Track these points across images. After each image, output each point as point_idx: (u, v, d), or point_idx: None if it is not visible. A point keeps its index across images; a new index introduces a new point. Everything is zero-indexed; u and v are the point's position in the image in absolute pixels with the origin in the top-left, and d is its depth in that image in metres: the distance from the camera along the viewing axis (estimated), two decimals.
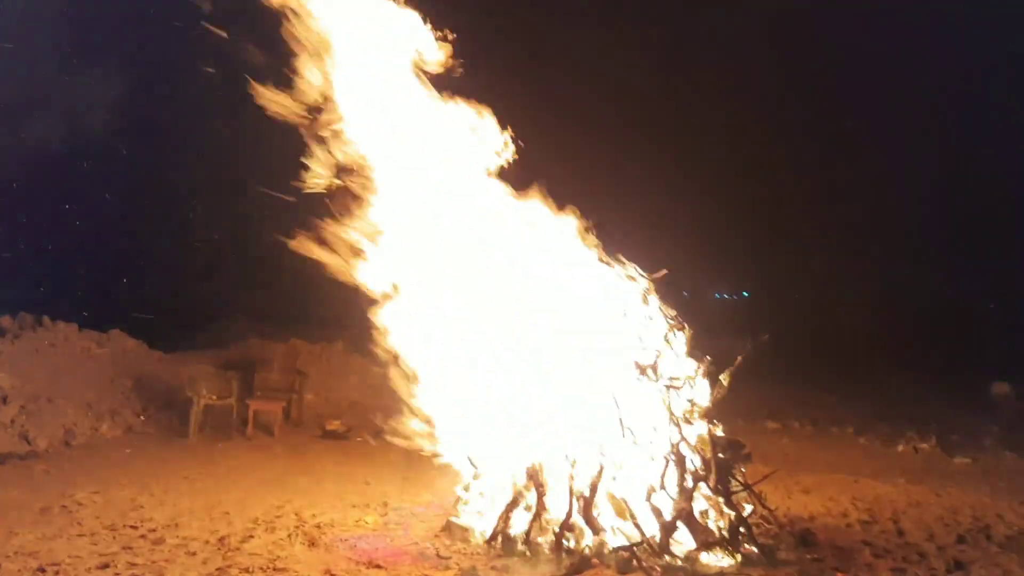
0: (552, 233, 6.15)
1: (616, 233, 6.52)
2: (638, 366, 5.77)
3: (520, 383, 5.81)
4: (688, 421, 5.81)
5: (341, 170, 6.14)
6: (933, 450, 10.67)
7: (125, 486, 6.98)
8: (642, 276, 6.32)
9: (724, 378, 5.95)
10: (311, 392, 11.23)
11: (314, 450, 9.32)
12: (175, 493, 6.82)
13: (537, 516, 5.51)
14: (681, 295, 6.63)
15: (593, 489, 5.43)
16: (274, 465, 8.28)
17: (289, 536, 5.66)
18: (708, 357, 6.11)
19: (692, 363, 6.08)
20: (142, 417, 10.08)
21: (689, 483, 5.54)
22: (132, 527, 5.71)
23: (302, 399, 10.95)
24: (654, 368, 5.82)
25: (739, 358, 6.02)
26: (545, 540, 5.43)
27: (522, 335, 5.83)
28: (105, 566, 4.83)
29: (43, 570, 4.70)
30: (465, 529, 5.69)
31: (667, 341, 6.03)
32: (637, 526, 5.39)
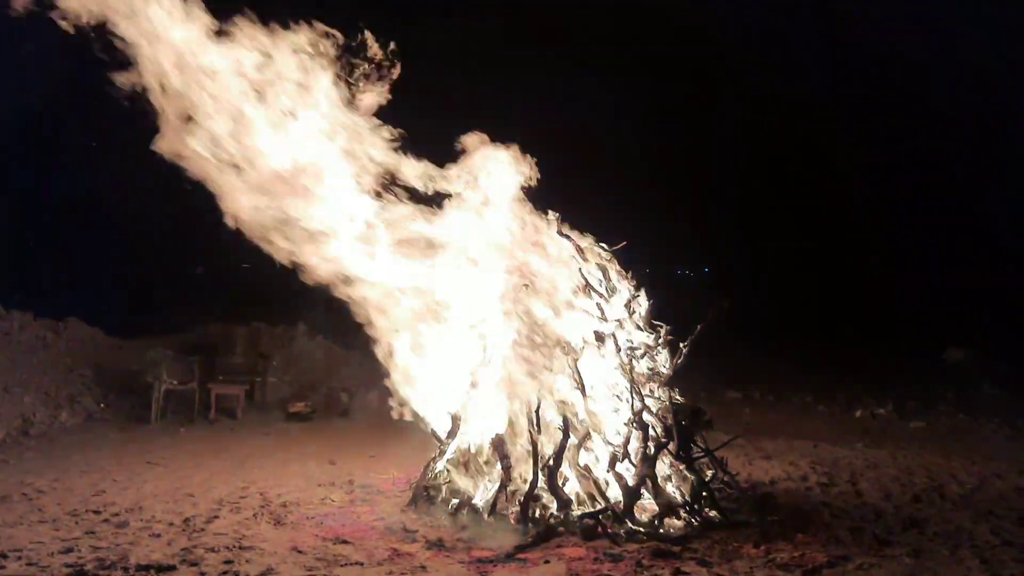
0: (510, 205, 6.17)
1: (576, 211, 6.55)
2: (598, 335, 5.82)
3: (483, 354, 5.84)
4: (649, 390, 5.88)
5: None
6: (890, 415, 10.92)
7: (86, 472, 6.90)
8: (603, 249, 6.39)
9: (684, 346, 6.04)
10: (274, 375, 11.17)
11: (278, 432, 9.30)
12: (138, 479, 6.76)
13: (503, 487, 5.55)
14: (643, 272, 6.69)
15: (557, 458, 5.49)
16: (238, 448, 8.24)
17: (255, 515, 5.64)
18: (667, 326, 6.20)
19: (652, 333, 6.17)
20: (102, 405, 9.95)
21: (651, 450, 5.61)
22: (94, 512, 5.65)
23: (265, 382, 10.90)
24: (614, 337, 5.89)
25: (700, 326, 6.11)
26: (511, 510, 5.47)
27: (484, 306, 5.86)
28: (68, 551, 4.78)
29: (4, 556, 4.64)
30: (431, 502, 5.72)
31: (627, 311, 6.10)
32: (601, 493, 5.46)
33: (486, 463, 5.72)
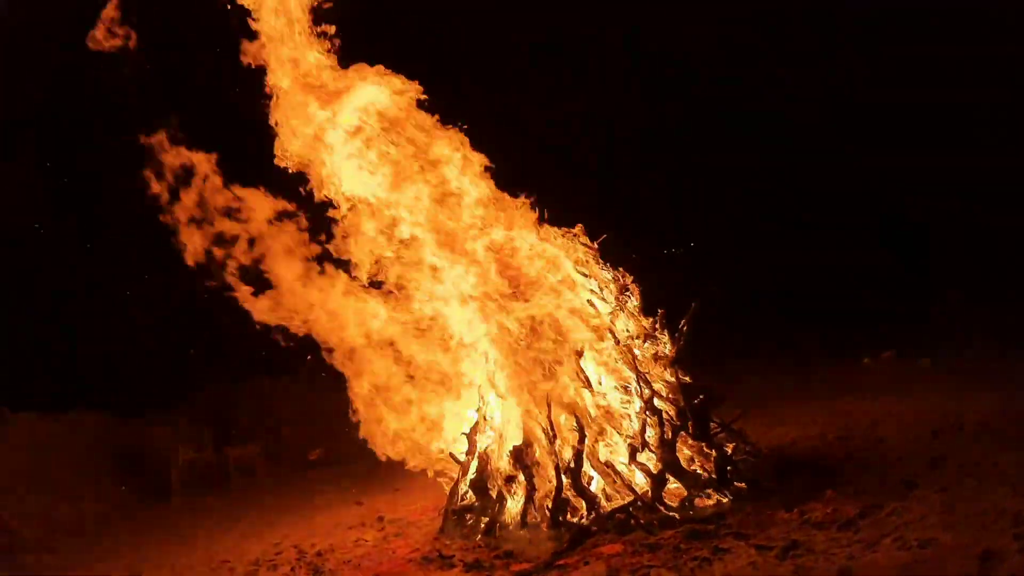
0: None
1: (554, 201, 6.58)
2: (595, 330, 5.87)
3: (487, 365, 5.89)
4: (656, 374, 5.93)
5: None
6: (895, 359, 10.98)
7: (119, 556, 6.92)
8: (585, 244, 6.44)
9: (682, 325, 6.09)
10: (286, 426, 11.18)
11: (300, 482, 9.31)
12: (171, 553, 6.78)
13: (529, 497, 5.58)
14: (630, 256, 6.73)
15: (578, 459, 5.53)
16: (264, 505, 8.26)
17: (292, 570, 5.66)
18: (661, 310, 6.25)
19: (648, 319, 6.22)
20: (124, 488, 9.96)
21: (669, 435, 5.66)
22: None
23: (279, 435, 10.91)
24: (611, 330, 5.94)
25: (693, 304, 6.17)
26: (542, 519, 5.50)
27: (477, 316, 5.90)
28: None
29: None
30: (462, 525, 5.75)
31: (619, 302, 6.15)
32: (627, 486, 5.50)
33: (509, 476, 5.75)
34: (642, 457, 5.61)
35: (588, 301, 6.07)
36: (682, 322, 6.13)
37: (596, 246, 6.45)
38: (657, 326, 6.16)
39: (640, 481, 5.55)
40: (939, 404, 7.65)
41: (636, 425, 5.71)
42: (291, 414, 11.45)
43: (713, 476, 5.62)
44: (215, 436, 10.05)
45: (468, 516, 5.78)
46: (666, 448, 5.61)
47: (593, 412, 5.73)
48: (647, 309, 6.34)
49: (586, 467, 5.58)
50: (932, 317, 13.34)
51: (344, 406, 10.77)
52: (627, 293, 6.27)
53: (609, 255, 6.49)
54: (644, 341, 6.06)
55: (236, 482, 9.75)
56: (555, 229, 6.37)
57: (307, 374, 12.14)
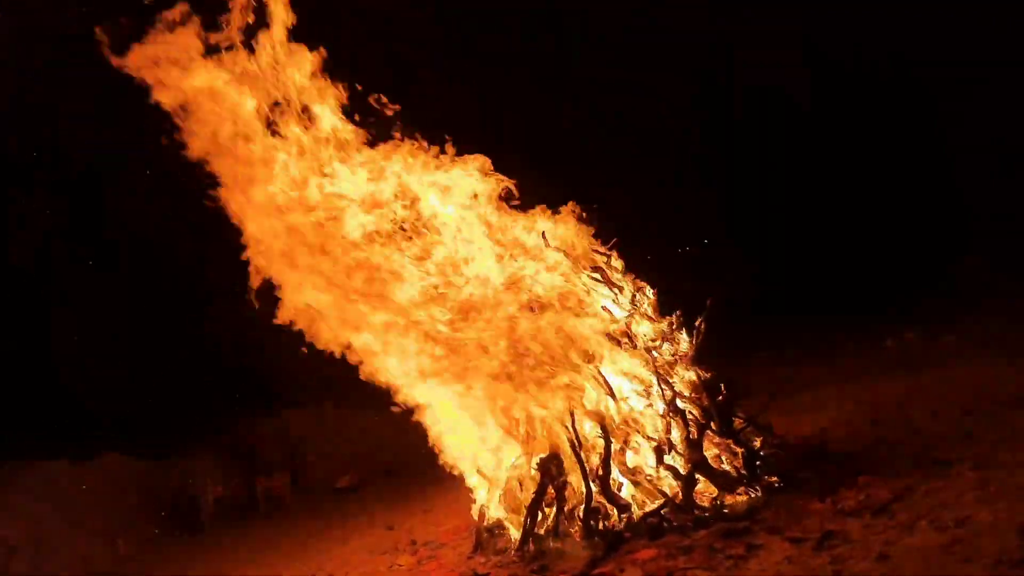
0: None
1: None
2: (610, 336, 5.83)
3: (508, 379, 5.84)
4: (677, 374, 5.88)
5: None
6: (919, 337, 10.86)
7: None
8: (596, 251, 6.40)
9: (699, 322, 6.04)
10: (312, 455, 11.19)
11: (330, 510, 9.30)
12: None
13: (560, 508, 5.54)
14: (645, 258, 6.69)
15: (606, 466, 5.48)
16: (295, 536, 8.25)
17: None
18: (678, 311, 6.19)
19: (665, 319, 6.17)
20: (156, 531, 9.99)
21: (695, 434, 5.60)
22: None
23: (305, 464, 10.92)
24: (628, 334, 5.89)
25: (709, 300, 6.11)
26: (574, 529, 5.46)
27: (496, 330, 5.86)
28: None
29: None
30: (495, 542, 5.72)
31: (635, 306, 6.10)
32: (657, 489, 5.45)
33: (538, 488, 5.70)
34: (669, 459, 5.55)
35: (603, 307, 6.03)
36: (698, 320, 6.08)
37: (608, 250, 6.41)
38: (674, 326, 6.11)
39: (670, 483, 5.49)
40: (967, 380, 7.56)
41: (661, 427, 5.65)
42: (317, 441, 11.47)
43: (743, 472, 5.55)
44: (243, 469, 10.06)
45: (499, 532, 5.74)
46: (693, 448, 5.55)
47: (617, 418, 5.67)
48: (665, 307, 6.28)
49: (615, 473, 5.53)
50: (955, 290, 13.20)
51: (371, 429, 10.78)
52: (642, 294, 6.21)
53: (622, 256, 6.45)
54: (662, 343, 6.00)
55: (266, 513, 9.74)
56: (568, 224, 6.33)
57: (332, 405, 12.20)
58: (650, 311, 6.17)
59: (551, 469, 5.63)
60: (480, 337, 5.75)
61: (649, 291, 6.27)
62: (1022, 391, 6.63)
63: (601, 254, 6.38)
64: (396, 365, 5.98)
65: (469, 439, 6.08)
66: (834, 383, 9.18)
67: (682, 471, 5.49)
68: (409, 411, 6.17)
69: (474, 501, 6.18)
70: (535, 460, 5.70)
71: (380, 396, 6.37)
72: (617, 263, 6.38)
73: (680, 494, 5.40)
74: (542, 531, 5.55)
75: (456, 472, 6.32)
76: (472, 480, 6.20)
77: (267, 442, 10.52)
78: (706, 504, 5.37)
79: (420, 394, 6.09)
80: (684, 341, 6.10)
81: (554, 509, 5.56)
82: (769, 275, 16.19)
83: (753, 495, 5.41)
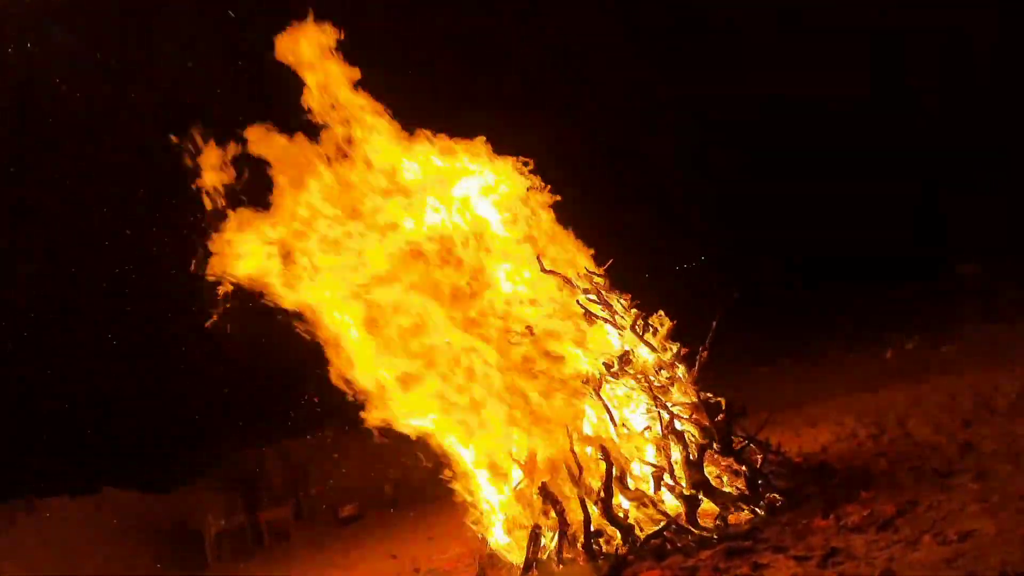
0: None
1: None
2: (608, 365, 5.82)
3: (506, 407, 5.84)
4: (674, 397, 5.86)
5: None
6: (919, 347, 10.86)
7: None
8: (594, 274, 6.39)
9: (703, 349, 6.03)
10: (315, 485, 11.15)
11: (334, 540, 9.25)
12: None
13: (563, 533, 5.51)
14: (643, 277, 6.69)
15: (607, 489, 5.45)
16: (299, 567, 8.20)
17: None
18: (680, 346, 6.16)
19: (667, 342, 6.15)
20: (159, 565, 9.93)
21: (695, 455, 5.58)
22: None
23: (308, 494, 10.88)
24: (626, 361, 5.88)
25: (713, 323, 6.09)
26: (577, 553, 5.42)
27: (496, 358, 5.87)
28: None
29: None
30: (498, 570, 5.68)
31: (635, 332, 6.08)
32: (660, 511, 5.42)
33: (540, 513, 5.67)
34: (671, 480, 5.53)
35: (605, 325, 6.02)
36: (701, 348, 6.05)
37: (604, 272, 6.41)
38: (673, 354, 6.09)
39: (672, 504, 5.47)
40: (967, 390, 7.54)
41: (661, 450, 5.63)
42: (320, 472, 11.43)
43: (745, 491, 5.53)
44: (246, 501, 10.01)
45: (503, 559, 5.71)
46: (694, 469, 5.53)
47: (617, 441, 5.66)
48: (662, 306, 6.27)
49: (617, 497, 5.51)
50: (952, 299, 13.20)
51: (373, 457, 10.73)
52: (640, 318, 6.19)
53: (620, 278, 6.44)
54: (659, 370, 5.98)
55: (270, 545, 9.69)
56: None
57: (332, 433, 12.16)
58: (650, 335, 6.14)
59: (552, 494, 5.61)
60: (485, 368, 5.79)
61: (664, 317, 6.24)
62: (1018, 400, 6.62)
63: (598, 274, 6.38)
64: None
65: (472, 465, 6.06)
66: (836, 394, 9.16)
67: (684, 492, 5.47)
68: (412, 438, 6.16)
69: (477, 528, 6.15)
70: (537, 486, 5.68)
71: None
72: (620, 300, 6.36)
73: (683, 515, 5.38)
74: (545, 556, 5.52)
75: (459, 499, 6.30)
76: (475, 506, 6.17)
77: (268, 472, 10.48)
78: (710, 524, 5.35)
79: (423, 421, 6.09)
80: (681, 368, 6.08)
81: (556, 534, 5.54)
82: (770, 287, 16.21)
83: (756, 514, 5.38)
